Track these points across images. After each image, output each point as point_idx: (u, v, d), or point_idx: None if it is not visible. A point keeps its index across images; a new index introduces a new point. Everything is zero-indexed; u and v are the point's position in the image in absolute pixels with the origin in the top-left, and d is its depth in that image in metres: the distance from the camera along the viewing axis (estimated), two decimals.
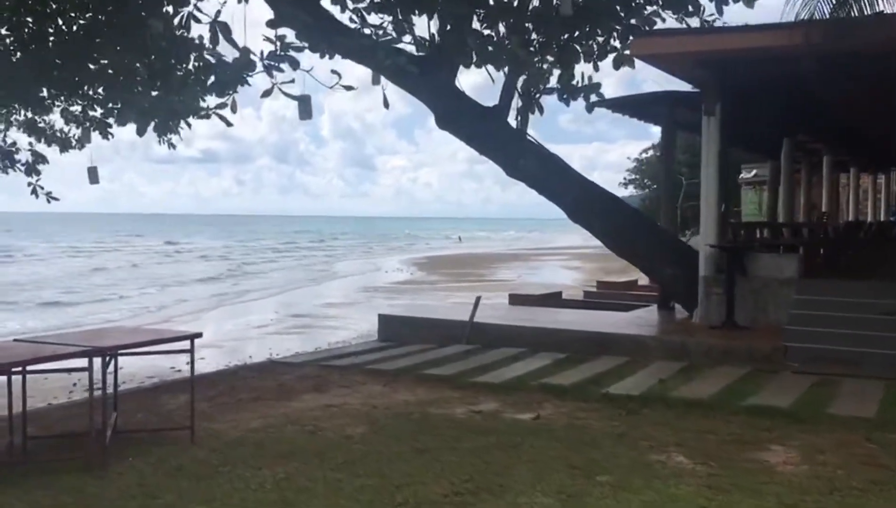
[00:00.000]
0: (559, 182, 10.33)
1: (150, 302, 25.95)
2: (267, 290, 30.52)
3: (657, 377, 7.48)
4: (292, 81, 7.45)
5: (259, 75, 7.68)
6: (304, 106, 8.33)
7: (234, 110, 8.26)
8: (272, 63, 7.51)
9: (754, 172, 31.29)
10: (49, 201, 12.18)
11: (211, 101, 9.58)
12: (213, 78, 8.04)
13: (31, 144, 12.16)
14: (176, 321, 20.88)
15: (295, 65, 7.53)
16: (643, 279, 19.52)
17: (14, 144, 12.15)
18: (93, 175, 11.11)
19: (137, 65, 9.05)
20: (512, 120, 10.56)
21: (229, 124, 8.88)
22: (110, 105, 10.49)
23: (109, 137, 11.41)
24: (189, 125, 10.64)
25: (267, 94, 7.57)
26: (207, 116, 9.97)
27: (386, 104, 9.65)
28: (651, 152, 52.09)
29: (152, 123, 9.81)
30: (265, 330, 19.08)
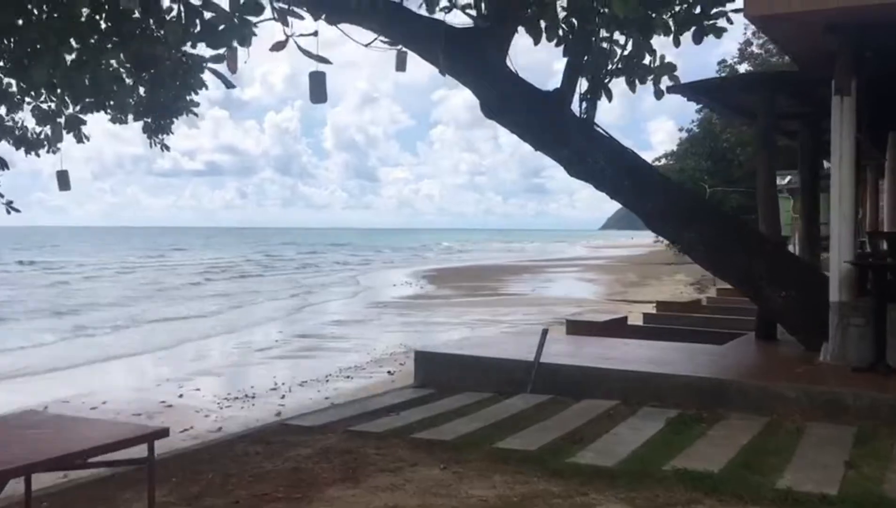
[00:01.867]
0: (636, 183, 8.17)
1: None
2: (268, 306, 28.32)
3: (838, 457, 5.20)
4: (314, 33, 5.33)
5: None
6: (317, 84, 6.59)
7: (233, 69, 6.12)
8: (287, 5, 5.38)
9: (788, 178, 29.10)
10: (9, 212, 10.54)
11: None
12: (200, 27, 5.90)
13: None
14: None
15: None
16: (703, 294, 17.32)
17: None
18: (62, 180, 9.49)
19: (121, 55, 8.13)
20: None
21: (229, 85, 6.89)
22: (87, 100, 9.11)
23: (84, 139, 9.68)
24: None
25: (279, 46, 5.48)
26: (195, 112, 9.27)
27: (402, 66, 7.83)
28: (664, 161, 50.10)
29: (141, 123, 9.20)
30: (268, 354, 16.93)
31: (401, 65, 8.02)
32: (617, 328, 10.04)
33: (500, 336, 7.82)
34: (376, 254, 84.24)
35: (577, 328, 9.85)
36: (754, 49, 32.74)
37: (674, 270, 44.08)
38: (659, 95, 8.27)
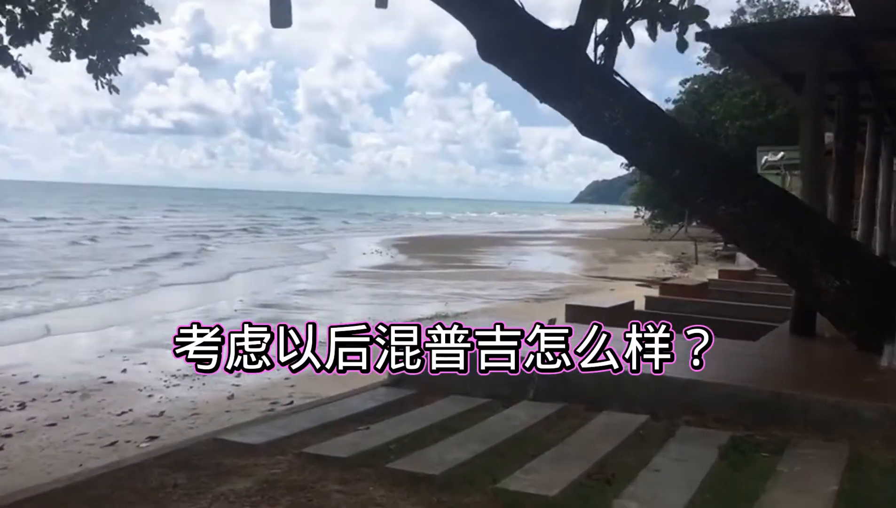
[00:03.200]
0: (662, 144, 6.70)
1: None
2: (231, 270, 26.64)
3: None
4: None
5: None
6: (280, 4, 6.04)
7: None
8: None
9: (781, 154, 27.78)
10: None
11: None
12: None
13: None
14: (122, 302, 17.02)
15: None
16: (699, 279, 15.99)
17: None
18: None
19: None
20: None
21: None
22: (21, 27, 7.90)
23: (25, 71, 8.18)
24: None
25: None
26: (143, 49, 8.16)
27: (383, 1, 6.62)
28: None
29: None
30: (226, 325, 15.34)
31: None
32: (624, 315, 8.62)
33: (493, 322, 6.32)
34: (344, 220, 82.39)
35: (579, 314, 8.37)
36: (748, 18, 31.34)
37: (652, 246, 43.06)
38: (682, 45, 6.81)
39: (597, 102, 6.70)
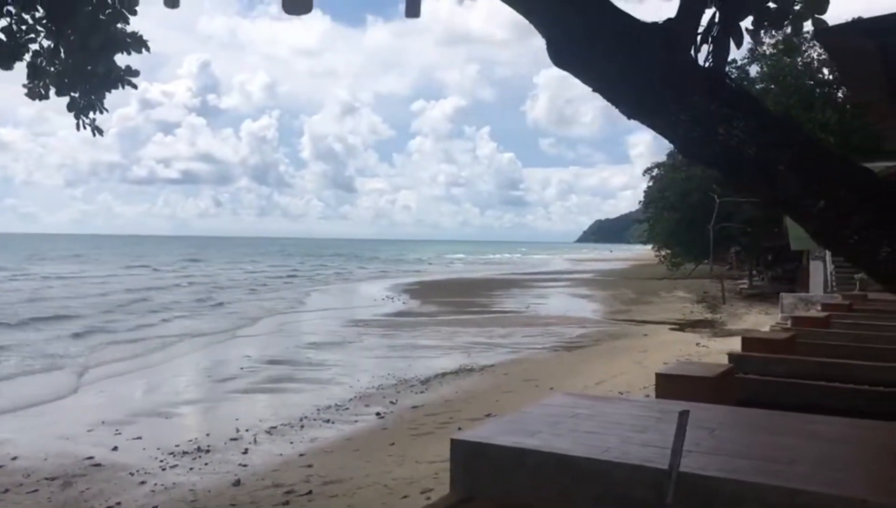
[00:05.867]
0: (799, 167, 5.34)
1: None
2: (237, 323, 25.35)
3: None
4: None
5: None
6: None
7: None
8: None
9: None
10: None
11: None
12: None
13: None
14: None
15: None
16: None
17: None
18: None
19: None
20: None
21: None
22: None
23: None
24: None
25: None
26: (132, 82, 7.07)
27: (415, 11, 5.40)
28: (656, 171, 47.95)
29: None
30: (232, 386, 14.10)
31: (412, 9, 5.44)
32: (727, 385, 7.05)
33: (589, 404, 4.76)
34: (356, 265, 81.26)
35: (676, 386, 6.69)
36: (766, 49, 30.46)
37: (670, 285, 41.77)
38: (790, 48, 5.58)
39: (707, 114, 5.32)
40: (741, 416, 4.87)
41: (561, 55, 5.28)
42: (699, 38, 5.34)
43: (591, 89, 5.56)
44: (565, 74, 5.04)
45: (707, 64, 5.38)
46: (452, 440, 4.19)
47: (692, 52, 5.37)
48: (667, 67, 5.12)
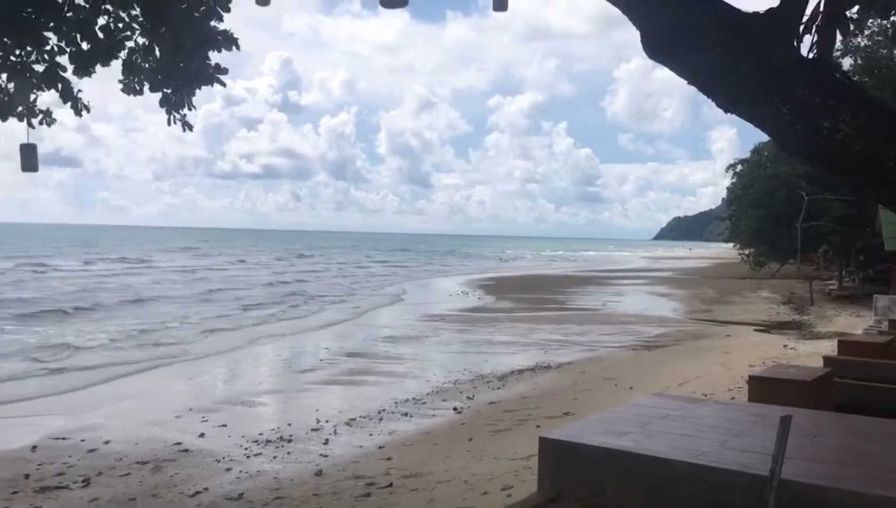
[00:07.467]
0: None
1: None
2: (318, 316, 25.78)
3: None
4: None
5: None
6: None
7: None
8: None
9: None
10: None
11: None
12: None
13: None
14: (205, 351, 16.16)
15: None
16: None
17: None
18: (27, 156, 6.95)
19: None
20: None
21: None
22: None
23: (84, 110, 7.24)
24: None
25: None
26: (221, 80, 7.19)
27: (502, 5, 5.38)
28: (740, 167, 46.58)
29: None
30: (312, 377, 14.35)
31: (500, 3, 5.47)
32: (824, 390, 6.75)
33: (679, 405, 4.59)
34: (431, 260, 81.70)
35: (770, 390, 6.42)
36: (861, 40, 29.17)
37: (753, 285, 40.52)
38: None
39: (811, 107, 5.07)
40: (842, 422, 4.69)
41: (656, 48, 5.12)
42: (802, 28, 5.10)
43: (685, 82, 5.40)
44: (646, 68, 4.86)
45: (811, 55, 5.14)
46: (541, 439, 4.14)
47: (795, 42, 5.13)
48: (768, 58, 4.91)
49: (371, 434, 9.90)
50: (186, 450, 9.08)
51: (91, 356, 16.66)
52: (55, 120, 7.58)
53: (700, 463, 3.82)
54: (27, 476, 7.90)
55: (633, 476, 3.99)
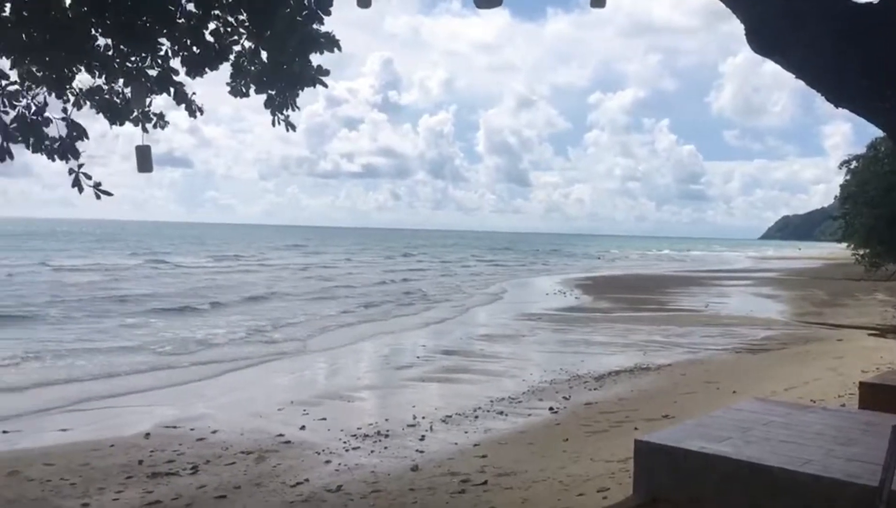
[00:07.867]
0: None
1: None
2: (423, 314, 26.13)
3: None
4: None
5: None
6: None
7: None
8: None
9: None
10: (98, 197, 8.52)
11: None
12: None
13: (65, 110, 8.20)
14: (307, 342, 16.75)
15: None
16: None
17: (44, 110, 8.19)
18: (143, 158, 7.24)
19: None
20: None
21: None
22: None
23: (198, 112, 7.56)
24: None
25: None
26: (323, 81, 7.31)
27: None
28: (855, 164, 44.28)
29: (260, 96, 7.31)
30: (408, 374, 14.55)
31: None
32: None
33: (784, 412, 4.42)
34: (529, 258, 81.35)
35: (883, 397, 6.01)
36: None
37: (868, 287, 38.49)
38: None
39: None
40: None
41: (763, 42, 4.94)
42: None
43: (792, 76, 5.19)
44: (754, 61, 4.69)
45: None
46: (637, 441, 4.09)
47: None
48: (880, 50, 4.67)
49: (466, 432, 9.94)
50: (288, 442, 9.37)
51: (211, 351, 17.38)
52: (168, 123, 7.96)
53: (804, 472, 3.68)
54: (140, 462, 8.35)
55: (731, 483, 3.88)
